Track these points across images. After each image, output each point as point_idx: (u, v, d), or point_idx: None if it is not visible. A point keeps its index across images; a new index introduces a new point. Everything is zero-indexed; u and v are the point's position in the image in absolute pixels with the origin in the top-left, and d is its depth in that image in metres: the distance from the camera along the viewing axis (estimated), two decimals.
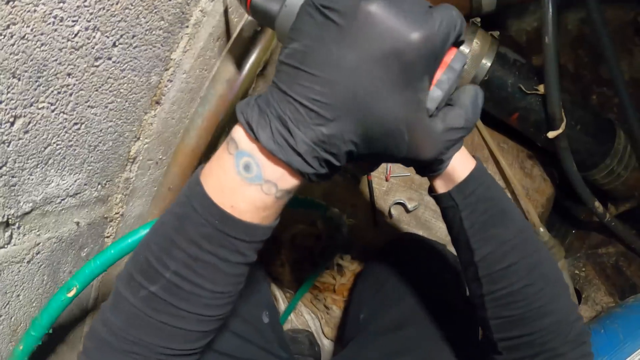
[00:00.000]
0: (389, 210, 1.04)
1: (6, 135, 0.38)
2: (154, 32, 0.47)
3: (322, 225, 1.02)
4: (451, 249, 0.94)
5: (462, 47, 0.93)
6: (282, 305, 1.08)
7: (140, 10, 0.44)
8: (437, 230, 1.04)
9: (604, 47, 0.92)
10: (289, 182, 0.36)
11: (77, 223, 0.54)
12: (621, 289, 1.09)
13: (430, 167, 0.47)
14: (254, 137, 0.34)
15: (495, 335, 0.50)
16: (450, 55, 0.37)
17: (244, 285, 0.62)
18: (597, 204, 1.04)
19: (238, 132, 0.35)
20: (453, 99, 0.40)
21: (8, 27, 0.33)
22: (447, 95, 0.37)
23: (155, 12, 0.46)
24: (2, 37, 0.33)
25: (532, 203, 1.05)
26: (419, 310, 0.71)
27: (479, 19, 0.98)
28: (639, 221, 1.17)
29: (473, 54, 0.94)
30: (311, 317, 1.09)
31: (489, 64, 0.95)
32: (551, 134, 0.93)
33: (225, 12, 0.57)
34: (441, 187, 0.51)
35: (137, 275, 0.36)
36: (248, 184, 0.35)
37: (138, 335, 0.36)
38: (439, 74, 0.36)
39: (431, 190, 0.53)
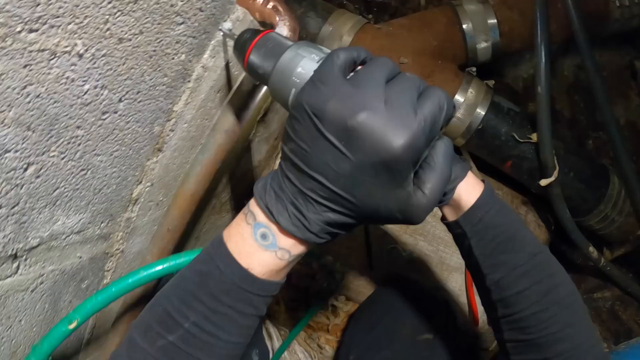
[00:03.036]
0: (384, 254, 1.06)
1: (20, 179, 0.42)
2: (157, 88, 0.52)
3: (318, 267, 1.04)
4: (443, 293, 0.95)
5: (457, 97, 0.97)
6: (276, 342, 1.09)
7: (145, 69, 0.48)
8: (431, 274, 1.05)
9: (598, 95, 0.93)
10: (301, 248, 0.41)
11: (80, 257, 0.57)
12: (616, 333, 1.07)
13: None
14: (274, 220, 0.39)
15: (511, 357, 0.52)
16: None
17: None
18: (591, 249, 1.04)
19: (256, 207, 0.40)
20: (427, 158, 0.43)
21: (25, 87, 0.37)
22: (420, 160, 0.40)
23: (159, 70, 0.50)
24: (20, 96, 0.38)
25: None
26: (406, 355, 0.72)
27: (474, 69, 1.02)
28: (634, 265, 1.16)
29: (468, 103, 0.97)
30: (304, 356, 1.09)
31: (483, 113, 0.97)
32: (543, 182, 0.95)
33: (227, 66, 0.62)
34: (450, 214, 0.54)
35: (155, 324, 0.39)
36: (264, 250, 0.39)
37: None
38: None
39: (443, 217, 0.56)
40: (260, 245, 0.39)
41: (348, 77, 0.38)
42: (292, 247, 0.40)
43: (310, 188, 0.37)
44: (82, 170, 0.48)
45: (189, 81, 0.57)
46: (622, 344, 0.87)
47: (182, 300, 0.40)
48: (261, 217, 0.40)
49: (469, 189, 0.51)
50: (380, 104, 0.35)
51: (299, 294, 1.10)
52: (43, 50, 0.37)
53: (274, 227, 0.40)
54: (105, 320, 0.71)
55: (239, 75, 0.65)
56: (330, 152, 0.36)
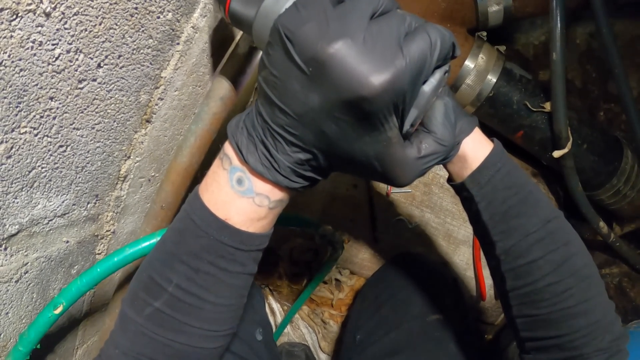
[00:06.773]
0: (389, 227, 1.02)
1: None
2: (141, 51, 0.46)
3: (320, 240, 1.00)
4: (450, 269, 0.92)
5: (467, 62, 0.91)
6: (279, 318, 1.07)
7: (126, 30, 0.42)
8: (437, 248, 1.02)
9: (613, 64, 0.88)
10: (280, 194, 0.37)
11: (67, 242, 0.53)
12: (624, 311, 1.05)
13: None
14: (244, 160, 0.35)
15: (521, 333, 0.48)
16: None
17: None
18: (601, 224, 1.01)
19: (230, 149, 0.36)
20: (424, 118, 0.38)
21: None
22: (420, 115, 0.35)
23: (143, 30, 0.44)
24: None
25: None
26: (416, 336, 0.69)
27: (485, 33, 0.96)
28: None
29: (478, 69, 0.91)
30: (308, 331, 1.07)
31: (494, 80, 0.92)
32: (556, 154, 0.91)
33: (220, 26, 0.56)
34: (456, 174, 0.49)
35: (141, 292, 0.37)
36: (240, 196, 0.36)
37: (146, 354, 0.37)
38: None
39: (449, 178, 0.51)
40: (236, 192, 0.36)
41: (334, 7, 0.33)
42: (270, 192, 0.37)
43: (279, 124, 0.34)
44: (60, 146, 0.43)
45: (177, 43, 0.51)
46: (632, 322, 0.84)
47: (163, 262, 0.37)
48: (236, 159, 0.36)
49: (476, 146, 0.46)
50: (360, 34, 0.30)
51: (301, 269, 1.07)
52: (2, 10, 0.31)
53: (247, 170, 0.36)
54: (101, 303, 0.68)
55: (235, 36, 0.59)
56: (298, 80, 0.31)
